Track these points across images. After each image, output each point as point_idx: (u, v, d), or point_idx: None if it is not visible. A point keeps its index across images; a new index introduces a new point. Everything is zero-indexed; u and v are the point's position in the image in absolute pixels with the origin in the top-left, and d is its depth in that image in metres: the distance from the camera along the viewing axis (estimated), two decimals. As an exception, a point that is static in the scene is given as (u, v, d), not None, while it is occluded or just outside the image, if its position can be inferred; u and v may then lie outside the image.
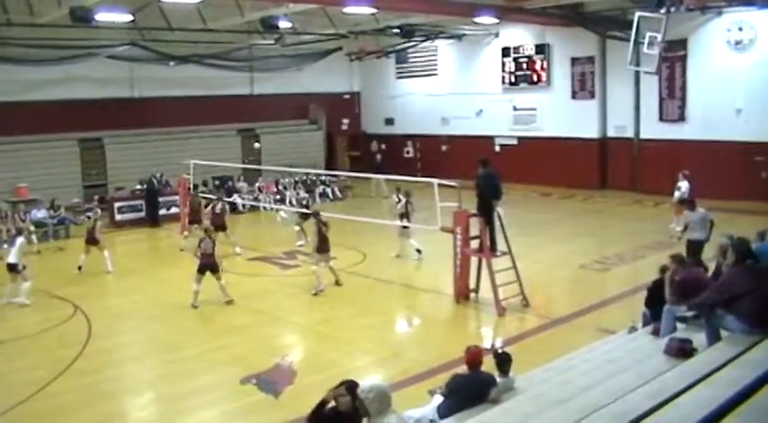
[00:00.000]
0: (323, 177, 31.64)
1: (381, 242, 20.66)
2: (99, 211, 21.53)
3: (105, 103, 29.98)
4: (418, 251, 19.45)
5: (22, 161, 27.15)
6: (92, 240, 19.44)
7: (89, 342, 13.77)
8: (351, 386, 5.80)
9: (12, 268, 16.34)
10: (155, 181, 27.55)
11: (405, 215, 19.63)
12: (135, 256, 21.90)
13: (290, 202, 28.17)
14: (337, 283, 17.09)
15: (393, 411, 5.84)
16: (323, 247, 16.85)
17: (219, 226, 20.34)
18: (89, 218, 21.08)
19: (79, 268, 19.24)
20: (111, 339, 14.14)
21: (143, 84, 31.46)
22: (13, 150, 27.34)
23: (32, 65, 26.46)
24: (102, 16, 21.15)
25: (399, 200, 20.01)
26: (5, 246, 22.96)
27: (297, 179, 30.98)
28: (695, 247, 15.38)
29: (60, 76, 28.29)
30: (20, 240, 16.99)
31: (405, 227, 19.50)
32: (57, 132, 28.68)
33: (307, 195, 29.44)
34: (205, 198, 23.13)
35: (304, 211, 21.97)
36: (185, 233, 22.29)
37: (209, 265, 15.92)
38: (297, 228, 21.63)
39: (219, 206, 21.50)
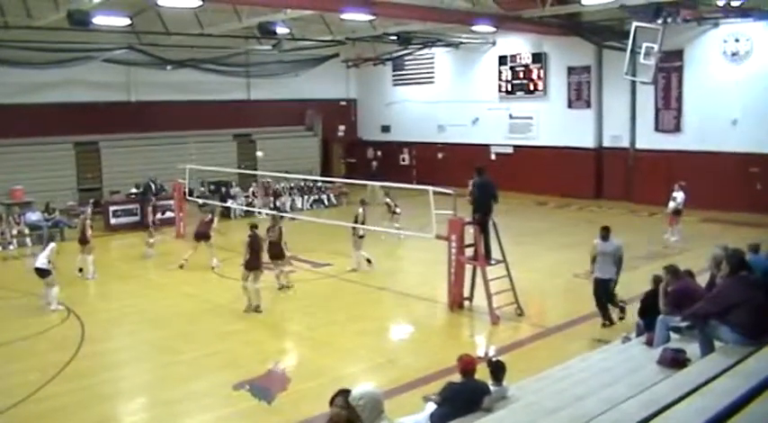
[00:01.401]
0: (318, 184, 31.62)
1: (375, 249, 20.64)
2: (90, 211, 21.43)
3: (102, 106, 29.97)
4: (368, 261, 19.31)
5: (18, 163, 27.12)
6: (82, 240, 19.35)
7: (82, 345, 13.73)
8: (348, 398, 5.78)
9: (40, 273, 16.05)
10: (151, 184, 27.47)
11: (361, 224, 19.36)
12: (129, 260, 21.81)
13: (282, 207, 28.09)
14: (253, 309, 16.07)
15: (386, 418, 5.83)
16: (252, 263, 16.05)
17: (202, 235, 20.24)
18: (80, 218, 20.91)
19: (80, 270, 19.21)
20: (104, 343, 14.11)
21: (140, 88, 31.50)
22: (9, 153, 27.33)
23: (29, 68, 26.44)
24: (99, 20, 21.10)
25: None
26: (0, 249, 23.14)
27: (292, 185, 30.99)
28: (602, 289, 13.97)
29: (57, 80, 28.30)
30: (51, 245, 16.75)
31: (360, 237, 19.25)
32: (53, 135, 28.73)
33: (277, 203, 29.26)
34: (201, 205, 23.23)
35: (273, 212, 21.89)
36: (150, 240, 22.12)
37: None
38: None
39: (209, 216, 21.06)
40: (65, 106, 28.87)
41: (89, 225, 19.66)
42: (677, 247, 20.84)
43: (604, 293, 13.98)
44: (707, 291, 9.35)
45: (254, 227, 16.65)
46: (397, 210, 22.97)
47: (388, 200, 23.31)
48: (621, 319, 13.98)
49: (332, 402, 5.76)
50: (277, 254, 17.15)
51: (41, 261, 16.08)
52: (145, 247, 21.94)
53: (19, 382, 11.73)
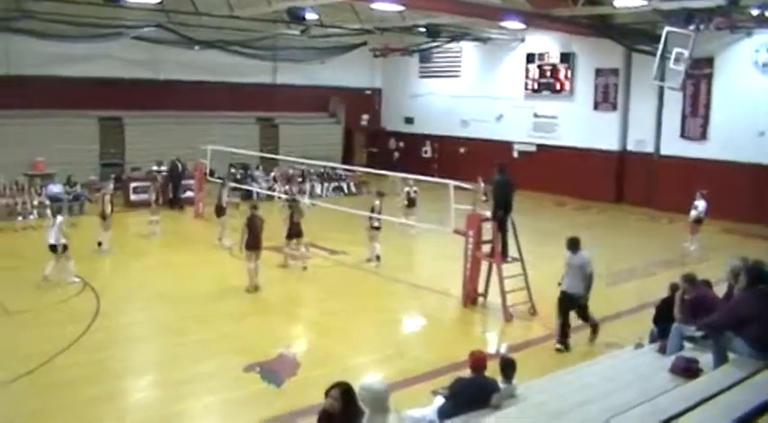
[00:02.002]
0: (339, 171, 31.64)
1: (393, 240, 20.63)
2: (111, 187, 21.41)
3: (128, 83, 30.13)
4: (377, 258, 19.04)
5: (42, 135, 27.18)
6: (102, 214, 19.53)
7: (96, 319, 13.85)
8: (344, 390, 5.81)
9: (53, 249, 16.22)
10: (178, 164, 27.51)
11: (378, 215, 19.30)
12: (147, 237, 21.92)
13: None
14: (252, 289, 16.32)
15: (390, 410, 5.84)
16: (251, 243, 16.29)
17: (218, 209, 21.05)
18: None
19: (98, 244, 19.41)
20: (118, 318, 14.23)
21: (166, 66, 31.58)
22: (33, 124, 27.42)
23: (57, 40, 26.55)
24: (130, -3, 21.20)
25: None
26: (21, 218, 23.34)
27: (312, 171, 31.04)
28: (568, 303, 12.94)
29: (86, 54, 28.42)
30: (59, 219, 16.89)
31: (376, 228, 19.11)
32: (78, 109, 28.84)
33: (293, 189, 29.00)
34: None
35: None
36: (152, 218, 22.32)
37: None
38: None
39: (226, 193, 21.51)
40: (91, 81, 28.98)
41: (108, 200, 19.77)
42: (696, 256, 20.70)
43: (568, 310, 12.86)
44: (724, 302, 9.27)
45: (253, 208, 16.89)
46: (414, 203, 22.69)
47: (410, 190, 22.81)
48: (592, 340, 13.05)
49: (327, 393, 5.79)
50: (298, 232, 17.80)
51: (53, 237, 16.24)
52: (150, 226, 22.03)
53: (32, 351, 11.82)
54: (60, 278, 16.09)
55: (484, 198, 15.61)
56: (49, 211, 23.72)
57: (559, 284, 13.11)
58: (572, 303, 12.85)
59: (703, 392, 6.68)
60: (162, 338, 13.36)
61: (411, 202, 22.73)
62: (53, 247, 16.21)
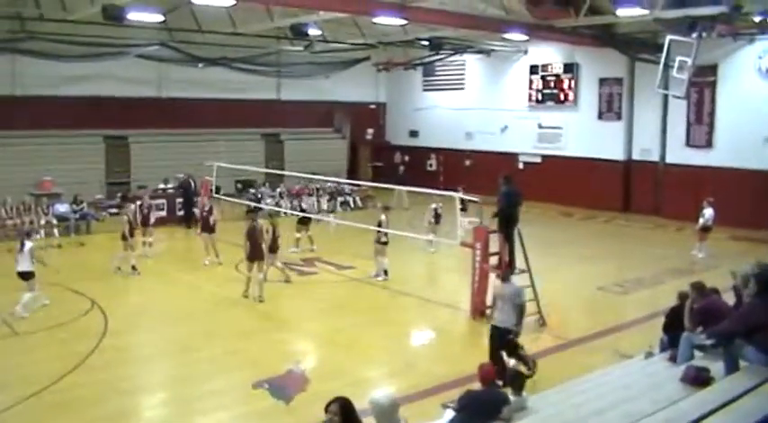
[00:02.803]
0: (344, 186, 31.67)
1: (400, 254, 20.62)
2: (134, 208, 20.65)
3: (133, 101, 30.24)
4: (385, 272, 18.85)
5: (48, 155, 27.30)
6: (123, 236, 19.19)
7: (104, 338, 13.83)
8: (342, 405, 5.80)
9: (23, 276, 15.05)
10: (191, 181, 27.44)
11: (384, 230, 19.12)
12: (154, 255, 21.90)
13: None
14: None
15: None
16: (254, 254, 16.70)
17: (205, 227, 20.68)
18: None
19: (133, 268, 19.14)
20: (126, 337, 14.21)
21: (171, 84, 31.74)
22: (40, 144, 27.57)
23: (62, 60, 26.68)
24: (133, 15, 21.28)
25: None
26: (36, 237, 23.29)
27: (318, 187, 31.08)
28: (497, 339, 11.64)
29: (89, 73, 28.58)
30: (28, 245, 15.24)
31: (383, 243, 18.90)
32: (83, 128, 29.00)
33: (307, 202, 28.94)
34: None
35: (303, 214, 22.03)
36: (146, 239, 21.69)
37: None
38: (297, 234, 21.88)
39: (208, 206, 21.26)
40: (96, 100, 29.13)
41: (126, 221, 19.37)
42: (704, 263, 20.63)
43: (501, 345, 11.60)
44: (734, 309, 9.22)
45: (252, 219, 17.28)
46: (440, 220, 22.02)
47: (437, 206, 22.15)
48: (530, 376, 10.89)
49: (326, 409, 5.78)
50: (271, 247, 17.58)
51: (24, 264, 15.01)
52: (143, 247, 21.27)
53: (39, 370, 11.82)
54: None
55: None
56: (56, 231, 23.77)
57: (488, 319, 12.28)
58: (501, 337, 11.58)
59: (715, 401, 6.64)
60: (171, 356, 13.35)
61: (438, 219, 22.13)
62: (24, 275, 15.03)
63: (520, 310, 11.71)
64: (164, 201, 27.13)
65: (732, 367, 7.86)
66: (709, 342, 8.52)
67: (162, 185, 28.06)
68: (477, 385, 8.29)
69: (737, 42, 25.90)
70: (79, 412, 10.47)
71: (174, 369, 12.66)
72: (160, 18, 23.66)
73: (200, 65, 30.49)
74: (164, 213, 26.54)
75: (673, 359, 9.66)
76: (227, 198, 25.20)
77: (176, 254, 22.09)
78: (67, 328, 14.46)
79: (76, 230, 24.70)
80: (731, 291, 9.97)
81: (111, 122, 29.53)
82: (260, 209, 21.58)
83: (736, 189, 25.16)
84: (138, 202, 21.62)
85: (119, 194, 27.90)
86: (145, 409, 11.17)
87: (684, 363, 8.90)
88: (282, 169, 31.66)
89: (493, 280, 12.45)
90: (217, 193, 25.27)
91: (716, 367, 8.11)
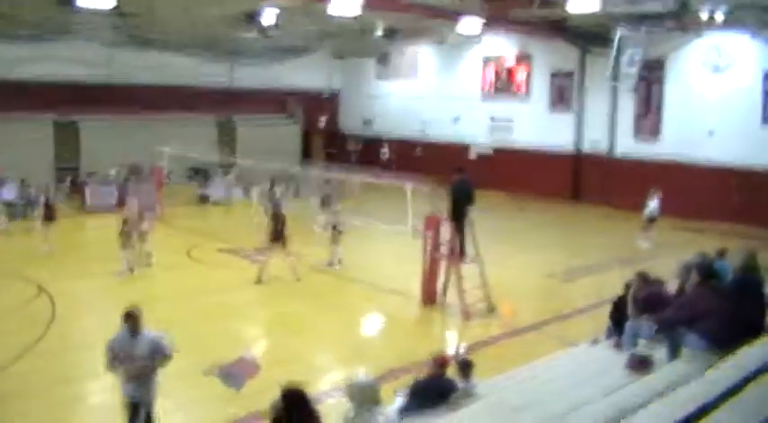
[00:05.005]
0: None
1: (352, 241, 20.66)
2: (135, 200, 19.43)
3: (82, 86, 29.73)
4: (339, 261, 18.96)
5: (-5, 139, 26.73)
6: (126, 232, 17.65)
7: (51, 325, 13.68)
8: (284, 394, 5.74)
9: None
10: (142, 168, 27.07)
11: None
12: (104, 241, 21.62)
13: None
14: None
15: (379, 413, 5.87)
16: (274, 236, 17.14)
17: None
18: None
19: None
20: (73, 323, 14.05)
21: (122, 69, 31.22)
22: (-15, 128, 26.94)
23: (9, 42, 26.12)
24: (83, 2, 20.81)
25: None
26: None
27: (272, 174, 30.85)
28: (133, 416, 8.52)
29: (38, 56, 28.03)
30: None
31: (340, 231, 19.00)
32: (31, 112, 28.39)
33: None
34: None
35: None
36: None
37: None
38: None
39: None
40: (46, 84, 28.59)
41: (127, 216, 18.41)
42: (649, 252, 21.04)
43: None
44: (676, 298, 9.45)
45: (276, 205, 17.73)
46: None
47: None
48: None
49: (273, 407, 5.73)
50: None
51: None
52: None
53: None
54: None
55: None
56: (2, 217, 23.33)
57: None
58: (135, 412, 8.56)
59: (658, 387, 6.81)
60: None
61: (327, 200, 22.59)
62: None
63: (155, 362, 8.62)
64: (113, 188, 26.77)
65: (674, 354, 8.08)
66: (652, 329, 8.75)
67: (113, 172, 27.64)
68: (426, 372, 8.38)
69: (685, 37, 26.37)
70: (29, 398, 10.38)
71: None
72: (112, 4, 23.21)
73: (153, 50, 30.06)
74: (113, 201, 26.15)
75: (618, 346, 9.88)
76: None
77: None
78: (15, 317, 14.25)
79: (23, 216, 24.23)
80: (675, 280, 10.19)
81: (60, 107, 29.02)
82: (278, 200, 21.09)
83: (682, 180, 25.70)
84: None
85: (68, 178, 27.43)
86: (93, 394, 11.06)
87: (628, 350, 9.12)
88: (234, 155, 31.44)
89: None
90: (168, 179, 25.06)
91: (659, 354, 8.32)
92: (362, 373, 6.34)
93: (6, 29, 25.31)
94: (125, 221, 17.81)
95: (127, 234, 17.58)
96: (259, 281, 16.89)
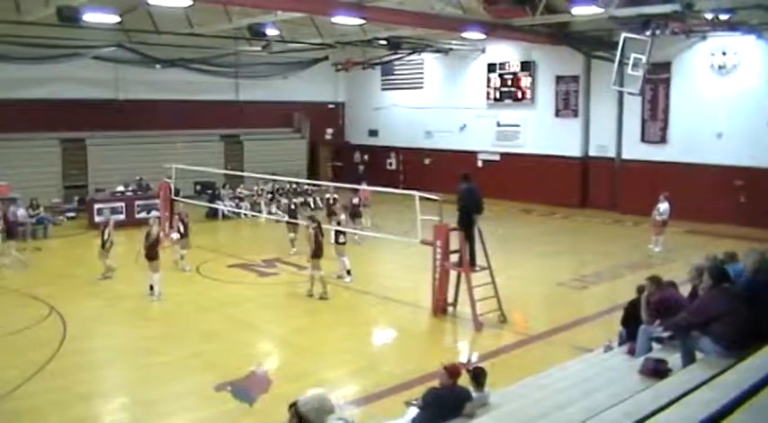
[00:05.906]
0: (305, 187, 31.57)
1: (362, 253, 20.65)
2: (112, 221, 19.30)
3: (89, 104, 29.85)
4: (348, 272, 18.81)
5: (3, 159, 26.85)
6: (151, 255, 17.12)
7: (64, 344, 13.66)
8: (291, 404, 5.72)
9: None
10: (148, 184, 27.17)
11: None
12: (113, 257, 21.62)
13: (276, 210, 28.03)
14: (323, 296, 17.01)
15: (340, 418, 5.79)
16: (318, 252, 17.10)
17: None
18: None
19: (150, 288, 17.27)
20: (85, 342, 14.03)
21: (128, 86, 31.36)
22: (-5, 148, 27.08)
23: (17, 63, 26.27)
24: (89, 17, 20.99)
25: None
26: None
27: (278, 187, 30.96)
28: None
29: (45, 76, 28.16)
30: None
31: (341, 243, 19.04)
32: (39, 131, 28.56)
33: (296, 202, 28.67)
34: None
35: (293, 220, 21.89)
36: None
37: None
38: (291, 235, 21.61)
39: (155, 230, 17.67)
40: (52, 103, 28.73)
41: (109, 232, 18.74)
42: (660, 257, 20.95)
43: None
44: (689, 301, 9.38)
45: (313, 220, 17.61)
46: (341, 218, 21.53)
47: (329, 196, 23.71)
48: None
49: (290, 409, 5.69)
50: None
51: None
52: (180, 261, 20.03)
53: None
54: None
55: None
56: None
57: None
58: None
59: (673, 392, 6.74)
60: (132, 360, 13.20)
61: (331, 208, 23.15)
62: None
63: None
64: (122, 204, 26.81)
65: (689, 359, 8.01)
66: (666, 334, 8.67)
67: (120, 188, 27.71)
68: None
69: (690, 40, 26.31)
70: (39, 420, 10.33)
71: (136, 372, 12.52)
72: (116, 19, 23.33)
73: (158, 66, 30.22)
74: (122, 217, 26.15)
75: (631, 352, 9.81)
76: (187, 200, 24.92)
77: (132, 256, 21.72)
78: (26, 335, 14.23)
79: (33, 235, 24.31)
80: (688, 284, 10.13)
81: (67, 125, 29.15)
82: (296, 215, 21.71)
83: (691, 184, 25.59)
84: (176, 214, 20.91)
85: (76, 198, 27.51)
86: (107, 414, 11.06)
87: (642, 355, 9.05)
88: (242, 170, 31.49)
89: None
90: (176, 195, 25.04)
91: (673, 359, 8.26)
92: (314, 390, 6.24)
93: (13, 50, 25.40)
94: (148, 236, 17.26)
95: (152, 247, 17.10)
96: (320, 296, 16.95)
